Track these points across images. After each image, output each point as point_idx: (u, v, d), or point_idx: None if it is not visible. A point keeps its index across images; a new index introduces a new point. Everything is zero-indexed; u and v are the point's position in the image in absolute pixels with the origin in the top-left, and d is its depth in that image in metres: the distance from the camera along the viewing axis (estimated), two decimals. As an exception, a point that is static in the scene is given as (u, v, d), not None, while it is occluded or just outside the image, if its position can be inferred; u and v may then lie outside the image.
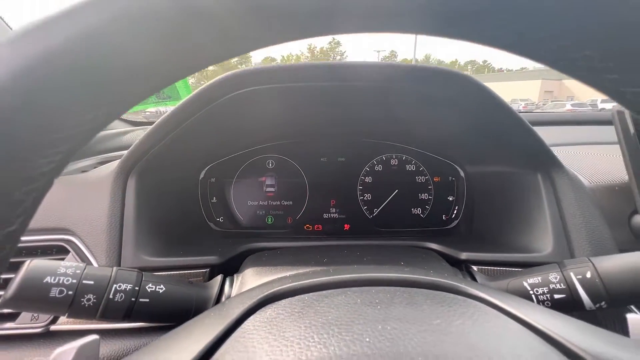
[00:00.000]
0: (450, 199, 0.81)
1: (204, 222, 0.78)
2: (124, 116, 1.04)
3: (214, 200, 0.80)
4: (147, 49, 0.17)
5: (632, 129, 0.57)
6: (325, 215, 0.82)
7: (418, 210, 0.82)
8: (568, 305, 0.41)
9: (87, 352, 0.29)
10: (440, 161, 0.82)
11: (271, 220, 0.81)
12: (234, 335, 0.26)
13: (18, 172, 0.17)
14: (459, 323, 0.25)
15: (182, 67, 0.20)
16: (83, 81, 0.17)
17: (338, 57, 72.20)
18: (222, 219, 0.80)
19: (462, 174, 0.80)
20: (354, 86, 0.59)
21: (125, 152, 0.63)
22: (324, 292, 0.31)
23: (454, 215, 0.81)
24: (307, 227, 0.81)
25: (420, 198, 0.82)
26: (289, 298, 0.31)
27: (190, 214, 0.76)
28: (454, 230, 0.80)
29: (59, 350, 0.28)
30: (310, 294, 0.31)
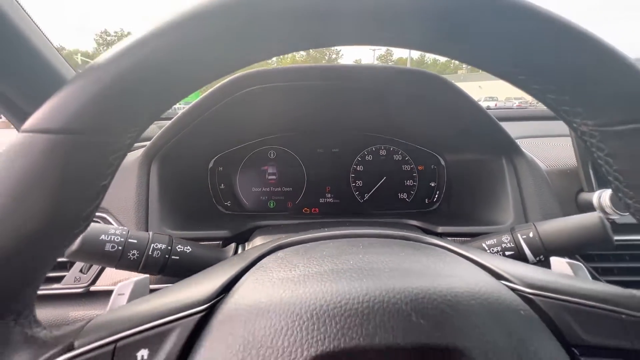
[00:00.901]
0: (432, 184, 0.91)
1: (214, 206, 0.88)
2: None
3: (222, 186, 0.89)
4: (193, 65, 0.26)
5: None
6: (321, 200, 0.92)
7: (404, 195, 0.92)
8: (515, 259, 0.51)
9: (141, 286, 0.39)
10: (424, 151, 0.92)
11: (273, 204, 0.91)
12: (254, 268, 0.36)
13: (114, 145, 0.26)
14: (417, 254, 0.35)
15: (216, 70, 0.29)
16: (157, 83, 0.26)
17: (334, 56, 72.10)
18: (229, 203, 0.89)
19: (442, 162, 0.90)
20: (346, 86, 0.69)
21: (143, 142, 0.73)
22: (320, 241, 0.41)
23: (435, 198, 0.91)
24: (305, 210, 0.91)
25: (405, 184, 0.92)
26: (294, 246, 0.41)
27: (201, 198, 0.85)
28: (435, 211, 0.90)
29: (121, 283, 0.38)
30: (310, 243, 0.41)
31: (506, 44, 0.26)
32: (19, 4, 0.65)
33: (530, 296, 0.30)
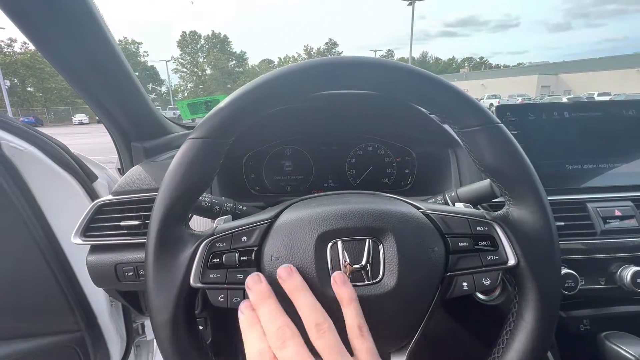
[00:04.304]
0: (407, 171, 1.23)
1: (248, 190, 1.21)
2: (185, 123, 1.48)
3: (252, 176, 1.22)
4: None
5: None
6: (325, 185, 1.24)
7: (386, 180, 1.24)
8: None
9: (228, 220, 0.71)
10: (400, 147, 1.23)
11: (290, 188, 1.24)
12: (288, 208, 0.68)
13: (223, 146, 0.59)
14: (377, 198, 0.67)
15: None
16: (247, 115, 0.59)
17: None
18: (258, 188, 1.22)
19: (413, 154, 1.22)
20: (343, 105, 1.02)
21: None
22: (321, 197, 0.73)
23: (409, 181, 1.23)
24: (313, 192, 1.24)
25: (387, 172, 1.24)
26: (306, 200, 0.73)
27: (239, 184, 1.19)
28: (407, 190, 1.22)
29: (220, 218, 0.71)
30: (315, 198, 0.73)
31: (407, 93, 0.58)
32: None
33: (427, 212, 0.62)
